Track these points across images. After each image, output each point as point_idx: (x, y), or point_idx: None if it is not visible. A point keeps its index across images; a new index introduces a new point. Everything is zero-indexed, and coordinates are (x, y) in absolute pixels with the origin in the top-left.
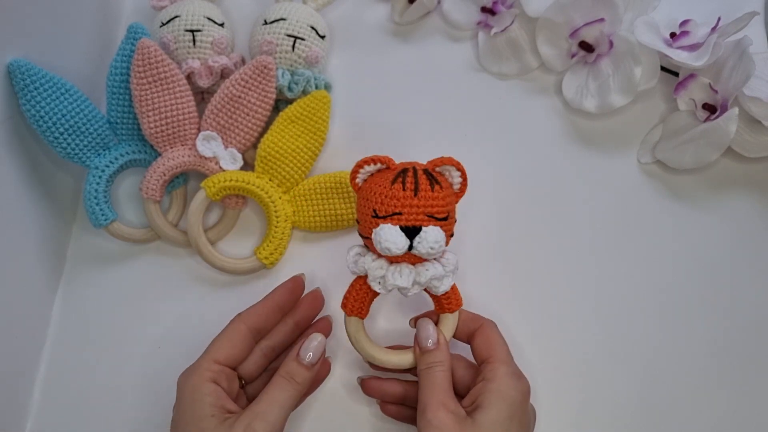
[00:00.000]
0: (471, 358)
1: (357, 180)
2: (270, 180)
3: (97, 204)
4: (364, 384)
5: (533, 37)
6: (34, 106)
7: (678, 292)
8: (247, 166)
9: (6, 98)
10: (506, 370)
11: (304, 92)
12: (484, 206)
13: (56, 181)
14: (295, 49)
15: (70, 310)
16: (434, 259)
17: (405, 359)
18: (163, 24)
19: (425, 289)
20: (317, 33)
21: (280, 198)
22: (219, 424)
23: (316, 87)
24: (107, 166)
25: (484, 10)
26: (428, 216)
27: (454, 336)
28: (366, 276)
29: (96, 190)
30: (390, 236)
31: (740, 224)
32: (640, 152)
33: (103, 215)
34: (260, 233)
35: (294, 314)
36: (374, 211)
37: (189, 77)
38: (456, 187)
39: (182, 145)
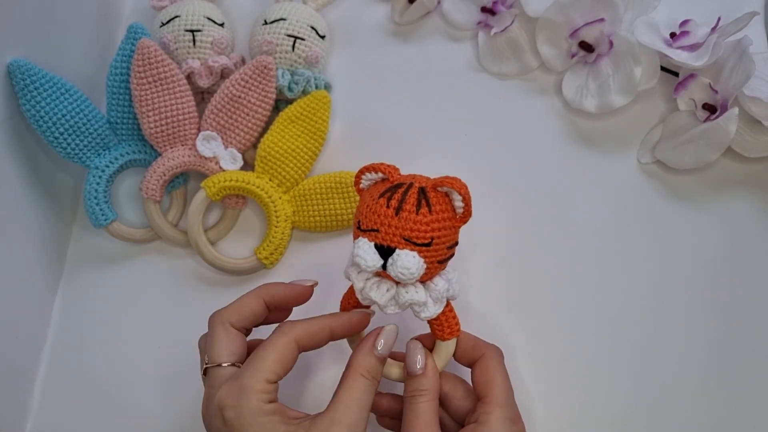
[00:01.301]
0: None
1: (361, 185)
2: (270, 180)
3: (97, 204)
4: None
5: (533, 37)
6: (34, 106)
7: (678, 292)
8: (247, 166)
9: (6, 98)
10: (501, 415)
11: (304, 92)
12: (484, 206)
13: (56, 181)
14: (295, 49)
15: (70, 310)
16: (420, 282)
17: (392, 372)
18: (163, 24)
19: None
20: (317, 33)
21: (280, 198)
22: None
23: (316, 87)
24: (107, 166)
25: (484, 10)
26: (405, 239)
27: (456, 359)
28: None
29: (96, 190)
30: (363, 252)
31: (740, 224)
32: (640, 152)
33: (103, 215)
34: (260, 233)
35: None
36: (359, 222)
37: (189, 77)
38: (458, 211)
39: (182, 145)
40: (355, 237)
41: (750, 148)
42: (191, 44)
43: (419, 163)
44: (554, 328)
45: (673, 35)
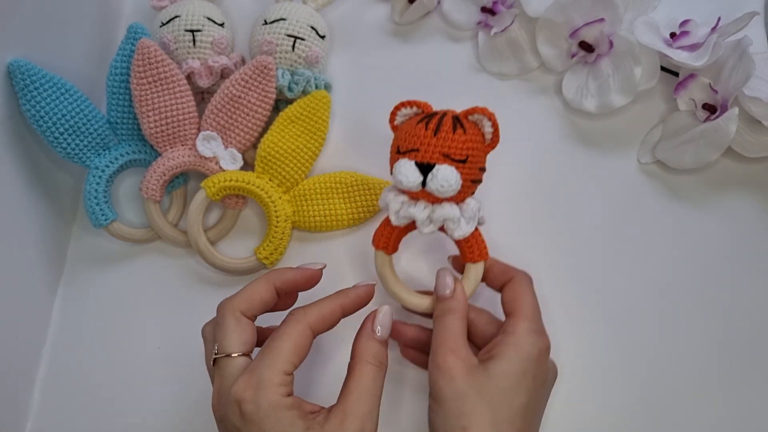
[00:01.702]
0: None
1: (396, 122)
2: (270, 180)
3: (97, 204)
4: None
5: (533, 37)
6: (34, 106)
7: (677, 291)
8: (247, 166)
9: (6, 98)
10: (527, 326)
11: (304, 92)
12: (483, 206)
13: (56, 181)
14: (295, 49)
15: (70, 310)
16: (454, 202)
17: (423, 302)
18: (163, 24)
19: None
20: (317, 33)
21: (280, 198)
22: None
23: (316, 87)
24: (107, 166)
25: (484, 10)
26: (444, 155)
27: (488, 284)
28: None
29: (96, 190)
30: (404, 169)
31: (740, 224)
32: (640, 152)
33: (103, 215)
34: (260, 233)
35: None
36: (398, 147)
37: (189, 77)
38: (487, 137)
39: (182, 145)
40: (394, 162)
41: (750, 148)
42: (191, 44)
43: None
44: (552, 327)
45: (673, 35)
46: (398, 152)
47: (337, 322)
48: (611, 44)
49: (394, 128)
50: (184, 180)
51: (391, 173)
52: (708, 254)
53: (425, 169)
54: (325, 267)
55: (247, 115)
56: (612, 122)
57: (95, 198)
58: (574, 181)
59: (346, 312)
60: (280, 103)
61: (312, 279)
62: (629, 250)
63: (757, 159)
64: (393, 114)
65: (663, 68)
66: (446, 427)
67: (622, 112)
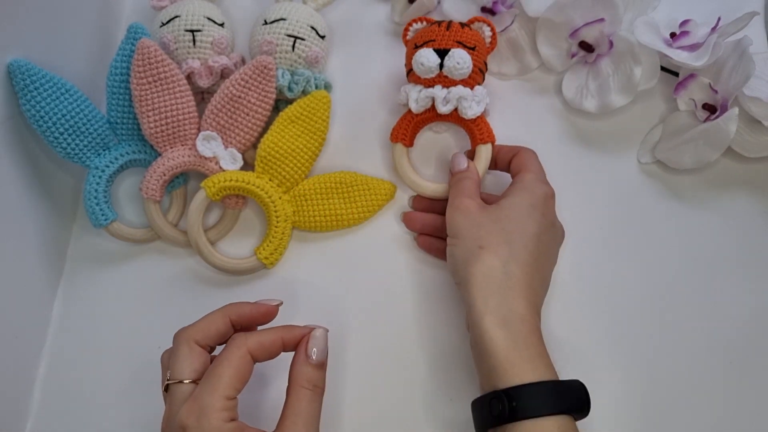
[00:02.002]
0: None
1: (408, 36)
2: (270, 180)
3: (97, 204)
4: (405, 217)
5: (533, 37)
6: (34, 106)
7: (677, 291)
8: (248, 166)
9: (6, 98)
10: (533, 176)
11: (304, 92)
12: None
13: (56, 180)
14: (295, 49)
15: (70, 309)
16: (465, 85)
17: (439, 188)
18: (163, 24)
19: (460, 124)
20: (317, 33)
21: (280, 198)
22: None
23: (316, 87)
24: (107, 166)
25: (483, 10)
26: (457, 42)
27: (498, 166)
28: (410, 110)
29: (96, 190)
30: (425, 54)
31: (740, 224)
32: (640, 152)
33: (103, 215)
34: (260, 233)
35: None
36: (415, 44)
37: (189, 77)
38: (487, 40)
39: (182, 145)
40: (411, 57)
41: (750, 148)
42: (191, 44)
43: (419, 163)
44: (552, 328)
45: (673, 35)
46: (416, 47)
47: (278, 354)
48: (611, 44)
49: (407, 42)
50: (184, 180)
51: (408, 70)
52: (708, 254)
53: (441, 54)
54: (281, 304)
55: (247, 115)
56: (612, 122)
57: (95, 198)
58: (573, 181)
59: (287, 346)
60: (280, 103)
61: (268, 314)
62: (629, 249)
63: (757, 159)
64: (406, 30)
65: (663, 68)
66: (464, 252)
67: (622, 112)
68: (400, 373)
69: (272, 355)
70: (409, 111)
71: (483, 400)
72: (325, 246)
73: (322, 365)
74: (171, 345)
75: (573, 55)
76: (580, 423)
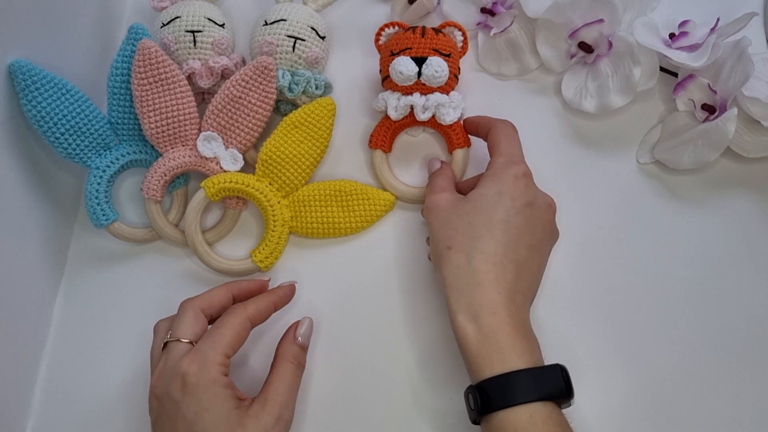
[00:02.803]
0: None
1: (380, 41)
2: (270, 184)
3: (98, 204)
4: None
5: (533, 38)
6: (35, 107)
7: (677, 291)
8: (248, 166)
9: (7, 98)
10: (502, 160)
11: (305, 93)
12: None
13: (57, 181)
14: (296, 50)
15: (71, 309)
16: (441, 91)
17: (419, 192)
18: (164, 25)
19: (437, 129)
20: (317, 34)
21: (278, 203)
22: (242, 415)
23: (316, 87)
24: (108, 167)
25: (483, 11)
26: (433, 50)
27: (478, 135)
28: (388, 116)
29: (97, 190)
30: (403, 62)
31: (739, 224)
32: (639, 152)
33: (104, 215)
34: (259, 235)
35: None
36: (391, 51)
37: (190, 78)
38: (459, 45)
39: (183, 146)
40: (387, 64)
41: (749, 149)
42: (192, 45)
43: (418, 163)
44: (551, 328)
45: (672, 36)
46: (392, 54)
47: (269, 316)
48: (610, 45)
49: (379, 47)
50: (185, 180)
51: (383, 77)
52: (707, 254)
53: (418, 61)
54: (270, 280)
55: (248, 115)
56: (611, 123)
57: (96, 198)
58: (573, 181)
59: (278, 307)
60: (281, 103)
61: (263, 289)
62: (628, 249)
63: (755, 159)
64: (378, 34)
65: (662, 69)
66: (436, 254)
67: (621, 112)
68: (393, 376)
69: (265, 319)
70: (387, 117)
71: (464, 394)
72: (321, 253)
73: (305, 348)
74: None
75: (572, 56)
76: (578, 423)
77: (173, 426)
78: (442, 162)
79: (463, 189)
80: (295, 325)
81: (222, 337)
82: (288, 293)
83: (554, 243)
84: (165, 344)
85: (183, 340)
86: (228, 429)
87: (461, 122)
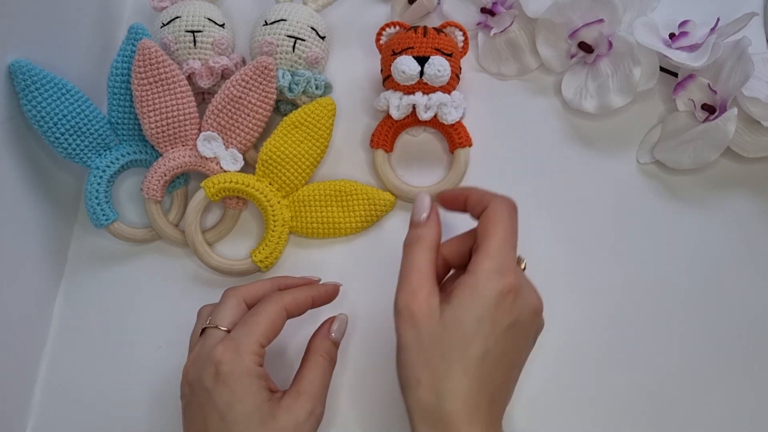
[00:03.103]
0: None
1: (381, 41)
2: (270, 184)
3: (98, 204)
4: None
5: (533, 38)
6: (35, 107)
7: (677, 292)
8: (248, 166)
9: (7, 99)
10: (488, 266)
11: (305, 93)
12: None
13: (57, 181)
14: (296, 50)
15: (71, 309)
16: (443, 91)
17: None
18: (164, 25)
19: (438, 128)
20: (317, 34)
21: (279, 203)
22: (274, 407)
23: (317, 87)
24: (108, 167)
25: (483, 11)
26: (435, 49)
27: (470, 212)
28: (389, 115)
29: (97, 190)
30: (405, 62)
31: (739, 224)
32: (639, 152)
33: (104, 215)
34: (259, 235)
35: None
36: (393, 51)
37: (190, 78)
38: (460, 45)
39: (183, 146)
40: (388, 63)
41: (749, 149)
42: (192, 45)
43: (418, 163)
44: (551, 328)
45: (672, 36)
46: (394, 54)
47: (306, 311)
48: (610, 45)
49: (380, 47)
50: (185, 180)
51: (385, 76)
52: (707, 254)
53: (421, 61)
54: (319, 280)
55: (248, 115)
56: (611, 123)
57: (96, 198)
58: (573, 181)
59: (316, 303)
60: (281, 103)
61: (310, 285)
62: (628, 250)
63: (755, 159)
64: (379, 34)
65: (662, 69)
66: (404, 378)
67: (621, 112)
68: (393, 375)
69: (302, 312)
70: (389, 117)
71: None
72: (321, 253)
73: (338, 343)
74: (172, 344)
75: (572, 56)
76: (578, 422)
77: (203, 414)
78: (429, 211)
79: (448, 256)
80: (330, 321)
81: (258, 325)
82: (330, 292)
83: (538, 336)
84: (203, 330)
85: (221, 328)
86: (260, 421)
87: (463, 125)
